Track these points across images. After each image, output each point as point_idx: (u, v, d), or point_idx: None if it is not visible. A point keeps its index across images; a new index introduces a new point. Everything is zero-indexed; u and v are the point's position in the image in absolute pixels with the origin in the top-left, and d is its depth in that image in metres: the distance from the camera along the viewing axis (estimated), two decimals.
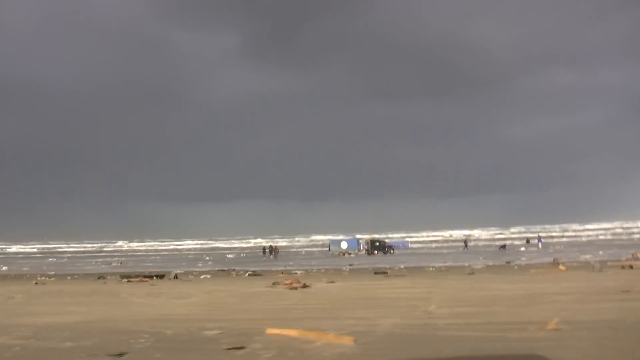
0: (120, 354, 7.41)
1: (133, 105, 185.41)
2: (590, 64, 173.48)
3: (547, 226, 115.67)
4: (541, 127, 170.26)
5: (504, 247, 61.23)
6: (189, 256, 71.81)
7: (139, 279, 25.85)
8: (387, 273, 26.47)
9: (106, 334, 9.36)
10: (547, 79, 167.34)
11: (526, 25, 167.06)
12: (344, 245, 64.92)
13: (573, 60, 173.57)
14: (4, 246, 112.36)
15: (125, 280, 25.68)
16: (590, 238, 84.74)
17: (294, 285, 18.58)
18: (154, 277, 26.69)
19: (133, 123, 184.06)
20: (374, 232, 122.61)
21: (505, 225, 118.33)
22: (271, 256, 64.01)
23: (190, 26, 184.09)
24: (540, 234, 71.08)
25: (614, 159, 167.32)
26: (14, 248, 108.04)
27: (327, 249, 73.67)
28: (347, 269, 32.68)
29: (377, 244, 63.60)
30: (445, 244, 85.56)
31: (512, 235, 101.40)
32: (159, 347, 8.05)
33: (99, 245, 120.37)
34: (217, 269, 36.16)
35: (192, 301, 15.47)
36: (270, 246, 67.15)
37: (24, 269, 47.02)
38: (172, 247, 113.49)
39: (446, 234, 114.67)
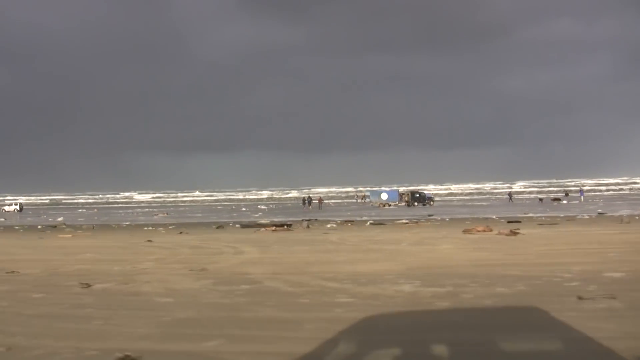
0: None
1: (131, 57, 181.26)
2: (592, 14, 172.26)
3: (553, 180, 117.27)
4: (542, 80, 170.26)
5: (558, 199, 60.98)
6: (232, 207, 70.67)
7: (273, 228, 24.92)
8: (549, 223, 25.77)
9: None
10: (549, 30, 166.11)
11: None
12: (384, 196, 64.19)
13: (576, 10, 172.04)
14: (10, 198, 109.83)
15: (263, 229, 24.74)
16: (611, 192, 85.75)
17: (503, 232, 17.97)
18: (284, 226, 25.73)
19: (131, 75, 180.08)
20: (377, 184, 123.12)
21: (510, 179, 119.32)
22: (310, 207, 63.27)
23: None
24: (583, 187, 71.14)
25: (614, 113, 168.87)
26: (22, 199, 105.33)
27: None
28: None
29: (418, 195, 63.14)
30: (472, 197, 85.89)
31: (530, 189, 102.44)
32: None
33: (110, 195, 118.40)
34: (307, 218, 35.04)
35: (456, 247, 14.68)
36: (309, 197, 66.28)
37: (80, 219, 45.56)
38: (190, 198, 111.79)
39: (456, 187, 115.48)
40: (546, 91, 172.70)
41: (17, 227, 34.02)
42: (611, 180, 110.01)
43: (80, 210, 70.36)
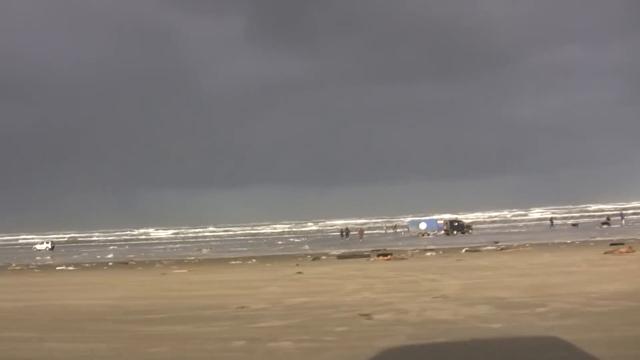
0: None
1: (141, 94, 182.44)
2: (601, 40, 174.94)
3: (569, 206, 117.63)
4: (551, 106, 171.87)
5: (607, 223, 60.27)
6: (264, 241, 70.29)
7: (388, 257, 24.80)
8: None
9: None
10: (556, 57, 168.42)
11: (535, 1, 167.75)
12: (422, 226, 64.30)
13: (583, 36, 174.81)
14: (24, 237, 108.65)
15: (373, 258, 24.58)
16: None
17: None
18: (388, 256, 25.55)
19: (141, 111, 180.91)
20: (390, 216, 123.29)
21: (525, 206, 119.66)
22: (348, 238, 63.17)
23: (194, 10, 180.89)
24: (623, 212, 71.14)
25: (625, 137, 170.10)
26: (36, 237, 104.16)
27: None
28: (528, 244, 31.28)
29: (457, 224, 63.15)
30: (497, 224, 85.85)
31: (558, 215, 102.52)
32: None
33: (125, 232, 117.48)
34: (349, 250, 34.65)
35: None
36: (347, 228, 66.15)
37: (130, 255, 44.92)
38: (210, 233, 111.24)
39: (472, 215, 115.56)
40: (556, 117, 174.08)
41: (110, 264, 33.40)
42: (627, 205, 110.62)
43: (111, 247, 69.57)
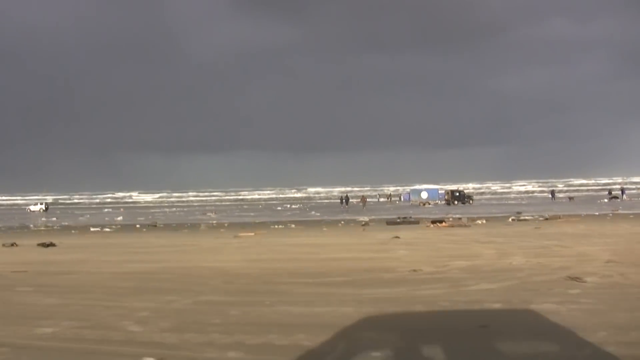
0: None
1: (123, 58, 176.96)
2: (588, 14, 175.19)
3: (552, 180, 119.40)
4: (538, 79, 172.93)
5: (615, 197, 60.42)
6: (260, 206, 69.55)
7: (444, 224, 24.53)
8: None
9: None
10: (542, 29, 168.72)
11: None
12: (424, 195, 64.36)
13: (570, 9, 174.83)
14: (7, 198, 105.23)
15: (432, 225, 24.23)
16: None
17: None
18: (442, 222, 25.26)
19: (122, 75, 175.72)
20: (372, 184, 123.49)
21: (507, 178, 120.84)
22: (347, 206, 62.94)
23: None
24: (624, 186, 72.09)
25: (610, 112, 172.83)
26: (19, 200, 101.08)
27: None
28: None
29: (458, 194, 63.35)
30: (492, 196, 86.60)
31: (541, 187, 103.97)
32: None
33: (107, 195, 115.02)
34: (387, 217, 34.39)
35: None
36: (347, 195, 65.69)
37: (140, 218, 43.74)
38: (195, 198, 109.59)
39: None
40: (542, 90, 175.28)
41: (138, 226, 32.28)
42: (608, 180, 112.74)
43: (106, 210, 67.90)
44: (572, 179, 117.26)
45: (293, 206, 67.78)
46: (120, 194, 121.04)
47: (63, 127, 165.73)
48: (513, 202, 61.78)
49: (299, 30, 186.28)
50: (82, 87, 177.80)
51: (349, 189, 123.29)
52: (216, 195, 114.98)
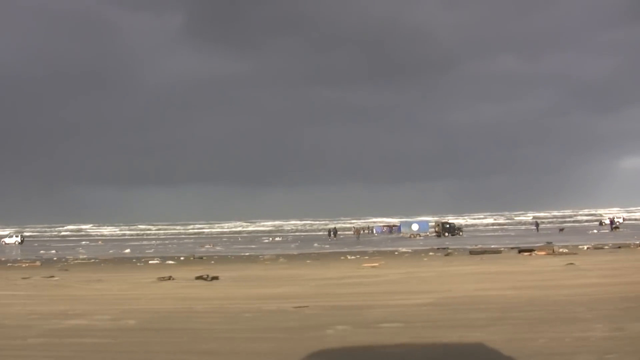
0: None
1: (74, 87, 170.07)
2: (536, 51, 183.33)
3: (507, 212, 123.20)
4: (484, 114, 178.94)
5: (617, 227, 60.32)
6: (239, 239, 67.16)
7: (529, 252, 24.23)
8: None
9: None
10: (491, 65, 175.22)
11: (472, 9, 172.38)
12: (414, 227, 64.54)
13: (519, 46, 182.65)
14: None
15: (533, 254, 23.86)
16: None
17: None
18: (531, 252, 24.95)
19: (74, 106, 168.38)
20: (328, 218, 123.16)
21: (460, 211, 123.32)
22: (335, 238, 62.30)
23: (132, 6, 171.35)
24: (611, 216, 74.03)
25: (556, 146, 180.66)
26: None
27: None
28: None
29: (448, 226, 63.85)
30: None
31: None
32: None
33: (67, 227, 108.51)
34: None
35: None
36: (335, 228, 64.87)
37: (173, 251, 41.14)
38: (172, 230, 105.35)
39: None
40: (491, 125, 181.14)
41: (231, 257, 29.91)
42: (557, 213, 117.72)
43: (83, 243, 63.53)
44: (525, 212, 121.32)
45: (277, 239, 66.08)
46: (71, 227, 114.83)
47: (15, 159, 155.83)
48: (500, 233, 62.46)
49: (249, 62, 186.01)
50: (29, 118, 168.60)
51: (299, 222, 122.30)
52: (176, 229, 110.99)
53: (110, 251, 42.05)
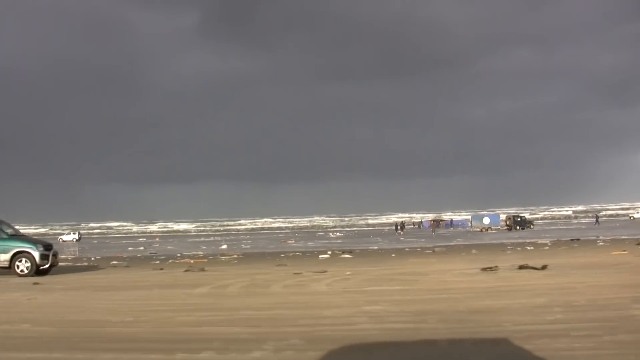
0: None
1: (90, 86, 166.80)
2: (552, 44, 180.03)
3: (521, 208, 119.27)
4: (501, 109, 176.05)
5: None
6: (278, 236, 63.79)
7: None
8: None
9: None
10: (509, 60, 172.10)
11: (489, 4, 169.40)
12: (486, 220, 61.34)
13: (535, 40, 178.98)
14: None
15: None
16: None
17: None
18: None
19: (90, 106, 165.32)
20: (340, 214, 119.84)
21: (478, 207, 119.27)
22: (402, 232, 59.60)
23: (147, 5, 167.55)
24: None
25: (572, 141, 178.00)
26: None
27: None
28: None
29: (519, 219, 61.28)
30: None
31: None
32: None
33: (91, 225, 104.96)
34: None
35: None
36: (403, 222, 61.85)
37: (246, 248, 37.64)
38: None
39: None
40: (506, 120, 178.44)
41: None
42: (579, 208, 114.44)
43: (140, 239, 60.38)
44: (549, 206, 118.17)
45: (337, 234, 62.78)
46: (94, 224, 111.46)
47: (30, 157, 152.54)
48: (564, 227, 59.78)
49: (265, 60, 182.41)
50: (46, 119, 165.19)
51: (317, 217, 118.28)
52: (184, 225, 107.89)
53: (204, 247, 38.51)
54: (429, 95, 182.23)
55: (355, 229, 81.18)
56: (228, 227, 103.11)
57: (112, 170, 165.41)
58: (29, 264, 16.50)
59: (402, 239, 44.58)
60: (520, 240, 33.27)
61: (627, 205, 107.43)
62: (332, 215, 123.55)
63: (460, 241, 36.25)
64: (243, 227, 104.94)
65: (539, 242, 31.16)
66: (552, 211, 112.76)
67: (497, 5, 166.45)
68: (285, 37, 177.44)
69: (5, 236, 16.97)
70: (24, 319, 7.93)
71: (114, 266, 21.17)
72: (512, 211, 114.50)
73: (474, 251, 24.56)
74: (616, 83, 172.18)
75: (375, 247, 31.69)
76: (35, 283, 13.98)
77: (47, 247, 17.33)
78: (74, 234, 65.67)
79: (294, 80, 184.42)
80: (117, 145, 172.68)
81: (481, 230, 57.77)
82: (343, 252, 25.60)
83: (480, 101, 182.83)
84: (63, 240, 60.22)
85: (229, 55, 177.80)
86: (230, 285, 12.25)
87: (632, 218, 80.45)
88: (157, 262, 23.65)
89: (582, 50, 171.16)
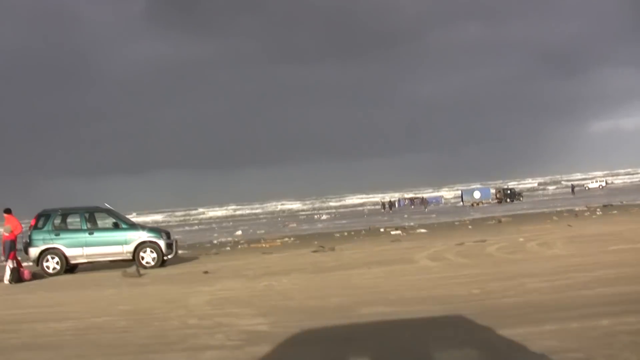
0: None
1: (38, 78, 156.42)
2: (502, 17, 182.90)
3: (492, 182, 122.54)
4: (453, 84, 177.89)
5: None
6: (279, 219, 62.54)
7: None
8: None
9: None
10: (457, 33, 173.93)
11: None
12: (477, 194, 62.12)
13: (485, 13, 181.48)
14: None
15: None
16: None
17: None
18: None
19: (39, 97, 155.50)
20: (298, 199, 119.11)
21: (437, 184, 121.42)
22: (391, 210, 59.76)
23: None
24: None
25: (525, 114, 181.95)
26: None
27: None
28: None
29: (509, 191, 63.12)
30: None
31: None
32: None
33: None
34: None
35: None
36: (390, 201, 61.89)
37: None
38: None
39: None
40: (458, 94, 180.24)
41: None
42: (544, 180, 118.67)
43: None
44: (505, 180, 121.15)
45: (324, 217, 61.75)
46: None
47: None
48: (544, 198, 61.68)
49: (213, 44, 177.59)
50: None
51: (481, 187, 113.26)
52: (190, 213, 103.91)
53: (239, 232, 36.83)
54: (381, 73, 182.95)
55: (333, 210, 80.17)
56: (192, 216, 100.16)
57: (66, 164, 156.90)
58: (154, 255, 15.16)
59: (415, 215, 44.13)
60: (567, 208, 33.45)
61: (579, 175, 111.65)
62: (291, 199, 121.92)
63: (487, 213, 36.08)
64: (206, 215, 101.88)
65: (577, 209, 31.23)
66: (520, 184, 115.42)
67: None
68: (232, 20, 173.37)
69: (125, 226, 15.48)
70: None
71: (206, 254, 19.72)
72: (476, 186, 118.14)
73: (554, 218, 24.55)
74: (565, 53, 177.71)
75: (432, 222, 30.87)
76: (205, 272, 12.73)
77: (168, 235, 15.95)
78: None
79: (245, 64, 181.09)
80: (71, 137, 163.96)
81: (472, 205, 58.49)
82: (418, 227, 25.05)
83: (433, 76, 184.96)
84: None
85: (178, 41, 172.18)
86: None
87: (587, 188, 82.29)
88: (228, 248, 22.37)
89: (531, 21, 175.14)
